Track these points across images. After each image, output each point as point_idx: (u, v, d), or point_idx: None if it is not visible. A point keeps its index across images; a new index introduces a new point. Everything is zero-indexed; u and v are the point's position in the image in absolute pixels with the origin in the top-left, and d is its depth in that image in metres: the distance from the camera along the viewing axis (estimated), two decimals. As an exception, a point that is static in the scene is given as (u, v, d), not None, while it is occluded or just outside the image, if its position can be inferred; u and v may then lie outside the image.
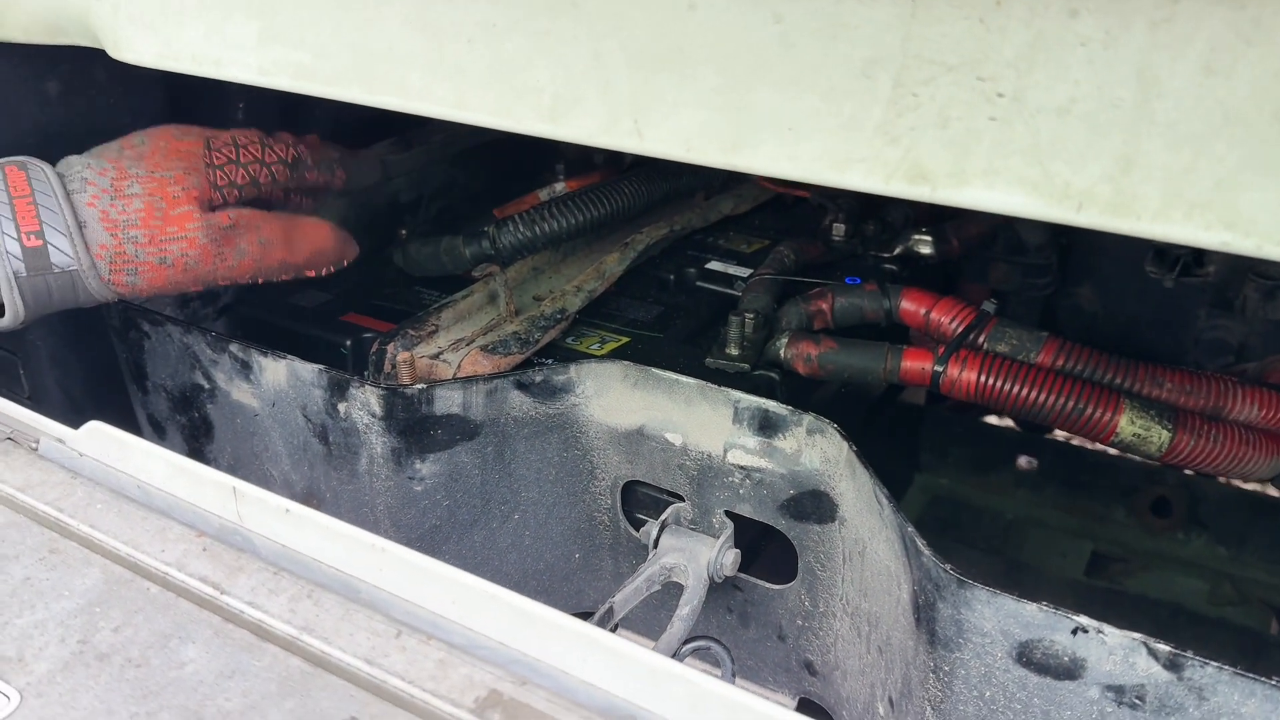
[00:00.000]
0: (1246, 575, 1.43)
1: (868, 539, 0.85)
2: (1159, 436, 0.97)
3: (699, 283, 1.23)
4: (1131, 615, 1.41)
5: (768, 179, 1.45)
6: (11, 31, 0.98)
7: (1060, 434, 1.73)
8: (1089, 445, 1.82)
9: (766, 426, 0.89)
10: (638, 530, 1.02)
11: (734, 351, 1.02)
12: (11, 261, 0.87)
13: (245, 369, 1.00)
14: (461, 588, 0.66)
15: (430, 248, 1.21)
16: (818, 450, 0.88)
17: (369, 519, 0.98)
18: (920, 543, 0.73)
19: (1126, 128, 0.54)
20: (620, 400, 0.96)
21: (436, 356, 1.04)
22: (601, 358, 1.04)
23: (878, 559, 0.83)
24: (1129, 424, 0.97)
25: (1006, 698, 0.72)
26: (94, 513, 0.77)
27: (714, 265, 1.26)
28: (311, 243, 1.02)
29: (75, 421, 0.87)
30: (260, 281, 1.01)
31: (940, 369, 1.01)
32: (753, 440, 0.90)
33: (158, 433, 1.15)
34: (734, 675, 0.98)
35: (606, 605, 0.89)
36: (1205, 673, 0.64)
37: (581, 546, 1.06)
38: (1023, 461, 1.62)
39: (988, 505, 1.60)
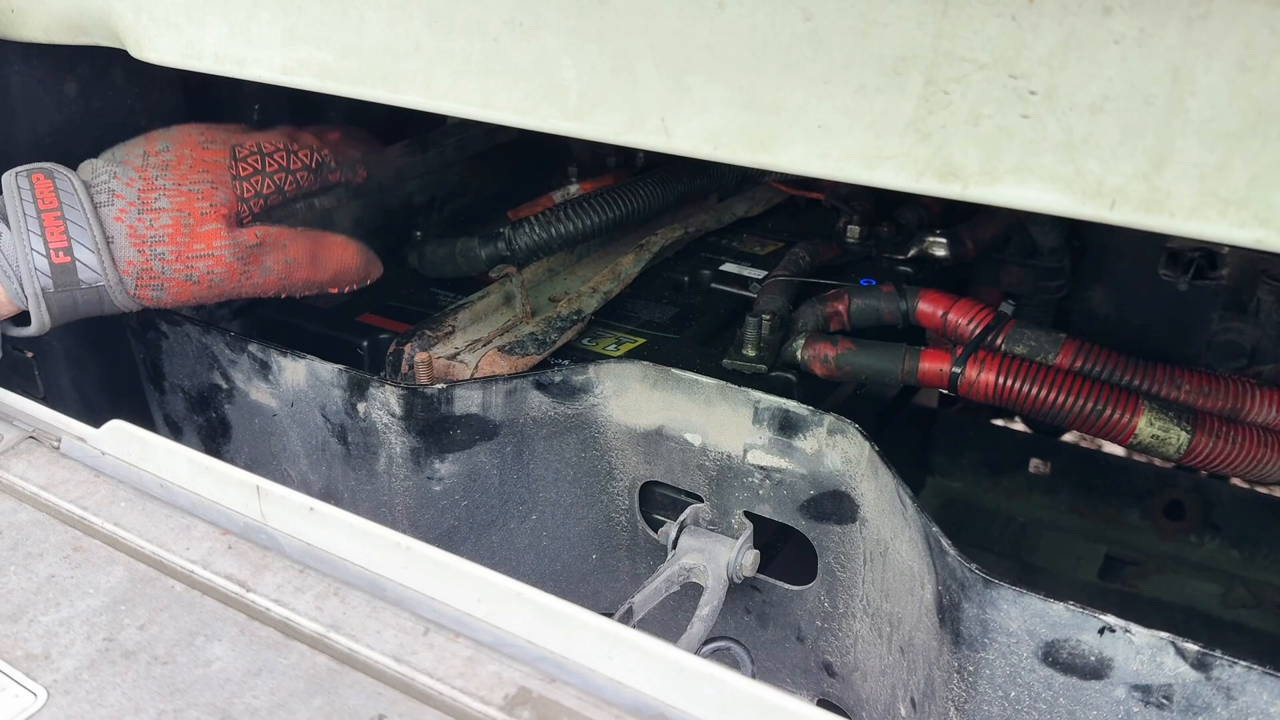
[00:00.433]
0: (1260, 578, 1.43)
1: (890, 539, 0.85)
2: (1178, 438, 0.97)
3: (714, 284, 1.24)
4: (1146, 618, 1.40)
5: (781, 181, 1.46)
6: (32, 32, 0.98)
7: (1072, 437, 1.73)
8: (1102, 448, 1.82)
9: (787, 427, 0.89)
10: (655, 531, 1.02)
11: (751, 353, 1.03)
12: (40, 278, 0.87)
13: (264, 369, 1.00)
14: (487, 586, 0.66)
15: (446, 249, 1.21)
16: (839, 451, 0.88)
17: (387, 519, 0.98)
18: (945, 543, 0.73)
19: (1160, 125, 0.54)
20: (639, 401, 0.96)
21: (454, 357, 1.04)
22: (619, 358, 1.04)
23: (900, 560, 0.83)
24: (1148, 425, 0.97)
25: (1032, 697, 0.72)
26: (117, 511, 0.77)
27: (728, 267, 1.26)
28: (338, 261, 1.02)
29: (90, 421, 0.87)
30: (284, 296, 1.01)
31: (959, 370, 1.01)
32: (773, 440, 0.90)
33: (174, 432, 1.15)
34: (754, 676, 0.98)
35: (626, 606, 0.89)
36: (1234, 672, 0.64)
37: (599, 547, 1.06)
38: (1035, 464, 1.62)
39: (1001, 508, 1.60)
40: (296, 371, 0.98)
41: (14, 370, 1.24)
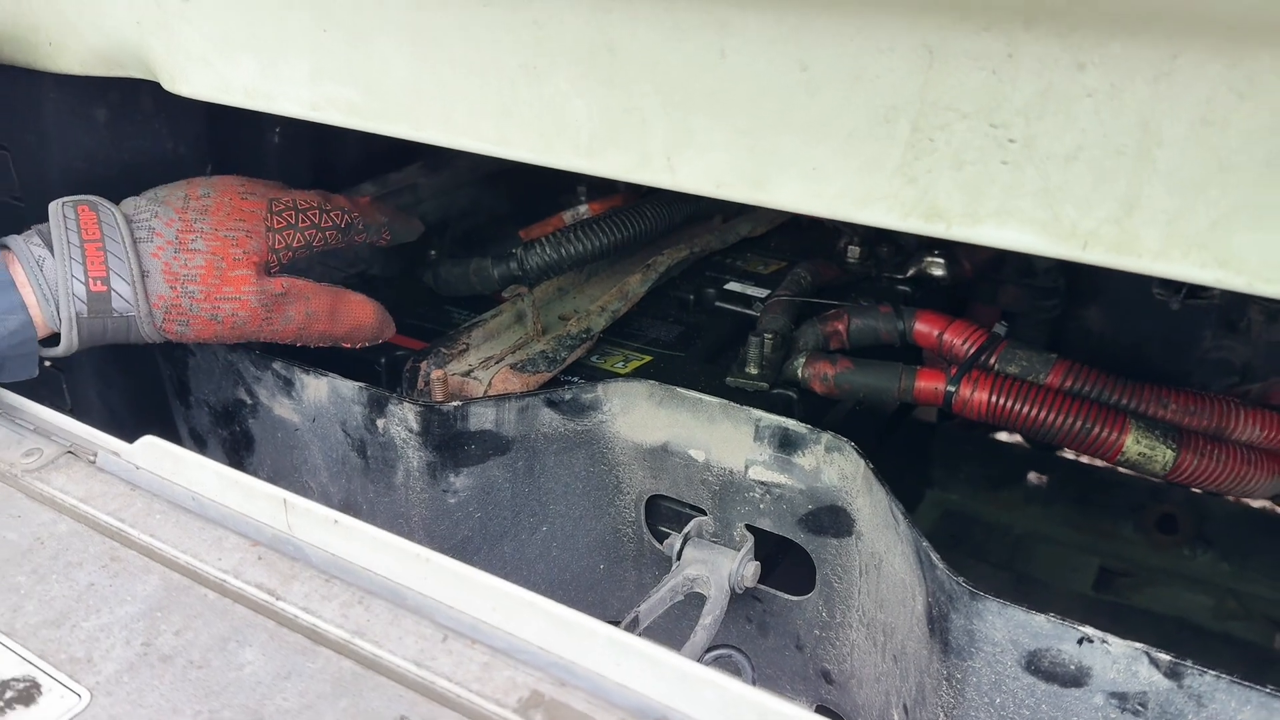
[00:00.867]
0: (1250, 590, 1.47)
1: (884, 553, 0.89)
2: (1163, 456, 1.01)
3: (718, 303, 1.28)
4: (1138, 629, 1.44)
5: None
6: (69, 64, 1.03)
7: (1069, 452, 1.77)
8: (1097, 463, 1.86)
9: (786, 444, 0.94)
10: (661, 543, 1.06)
11: (753, 370, 1.07)
12: (76, 304, 0.92)
13: (288, 385, 1.05)
14: (502, 595, 0.70)
15: (460, 269, 1.25)
16: (835, 467, 0.92)
17: (404, 530, 1.03)
18: (934, 556, 0.77)
19: (1130, 173, 0.58)
20: (645, 418, 1.01)
21: (468, 374, 1.09)
22: (626, 376, 1.09)
23: (893, 572, 0.87)
24: (1135, 443, 1.01)
25: (1016, 704, 0.76)
26: (152, 522, 0.82)
27: (733, 286, 1.30)
28: (354, 319, 1.05)
29: (115, 434, 0.92)
30: (298, 345, 1.05)
31: (953, 389, 1.05)
32: (773, 457, 0.95)
33: (199, 445, 1.20)
34: (754, 683, 1.02)
35: (632, 614, 0.93)
36: (1204, 681, 0.68)
37: (606, 558, 1.10)
38: (1032, 478, 1.65)
39: (998, 521, 1.64)
40: (319, 388, 1.03)
41: (42, 384, 1.28)
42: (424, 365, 1.10)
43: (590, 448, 1.04)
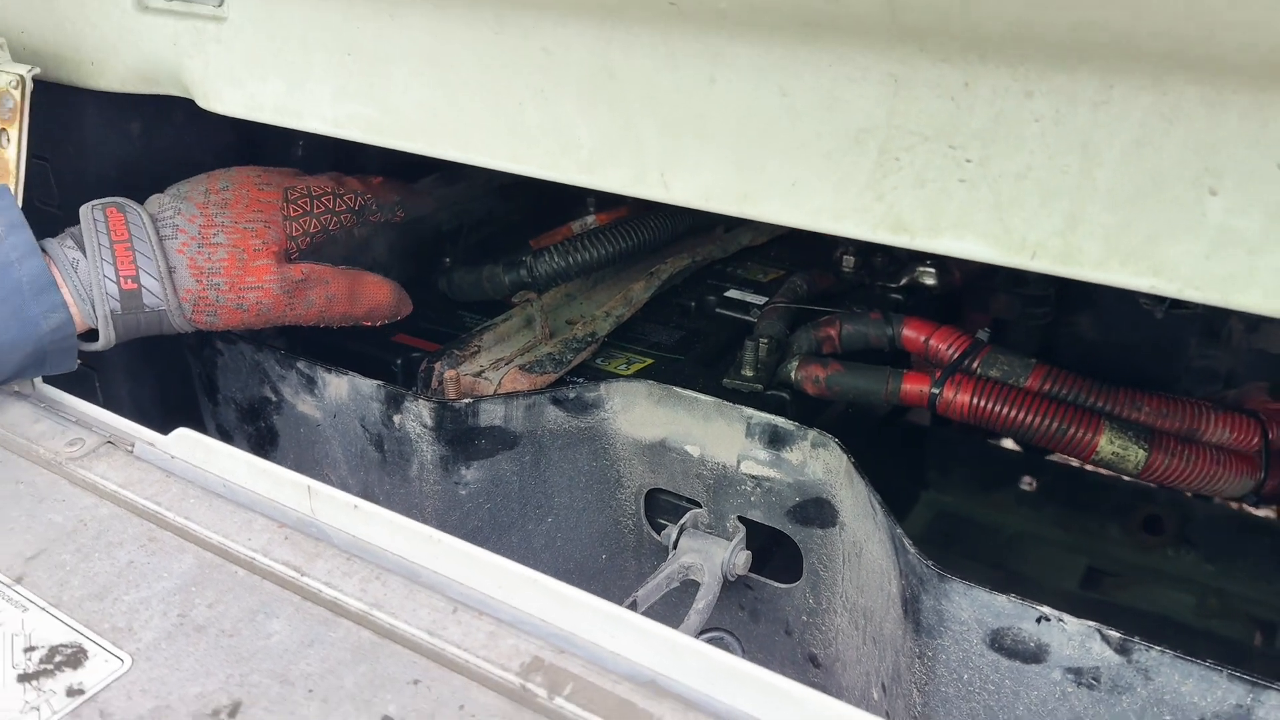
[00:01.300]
0: (1232, 590, 1.51)
1: (864, 541, 0.95)
2: (1136, 455, 1.06)
3: (718, 309, 1.33)
4: (1123, 626, 1.50)
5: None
6: (110, 83, 1.10)
7: (1059, 456, 1.82)
8: (1086, 466, 1.91)
9: (775, 440, 1.00)
10: (659, 533, 1.12)
11: (749, 373, 1.13)
12: (110, 301, 0.98)
13: (310, 384, 1.12)
14: (506, 572, 0.77)
15: (473, 275, 1.32)
16: (820, 462, 0.98)
17: (418, 519, 1.09)
18: (907, 542, 0.84)
19: (1073, 191, 0.64)
20: (645, 416, 1.07)
21: (479, 374, 1.15)
22: (628, 377, 1.15)
23: (872, 559, 0.93)
24: (1108, 444, 1.06)
25: (981, 679, 0.82)
26: (187, 506, 0.88)
27: (732, 293, 1.36)
28: (372, 299, 1.11)
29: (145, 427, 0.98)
30: (321, 326, 1.11)
31: (937, 391, 1.11)
32: (763, 453, 1.01)
33: (226, 440, 1.26)
34: (744, 665, 1.08)
35: (630, 599, 0.99)
36: (1150, 656, 0.74)
37: (608, 548, 1.16)
38: (1025, 484, 1.71)
39: (990, 521, 1.69)
40: (339, 386, 1.10)
41: (76, 382, 1.35)
42: (438, 366, 1.16)
43: (593, 443, 1.10)
